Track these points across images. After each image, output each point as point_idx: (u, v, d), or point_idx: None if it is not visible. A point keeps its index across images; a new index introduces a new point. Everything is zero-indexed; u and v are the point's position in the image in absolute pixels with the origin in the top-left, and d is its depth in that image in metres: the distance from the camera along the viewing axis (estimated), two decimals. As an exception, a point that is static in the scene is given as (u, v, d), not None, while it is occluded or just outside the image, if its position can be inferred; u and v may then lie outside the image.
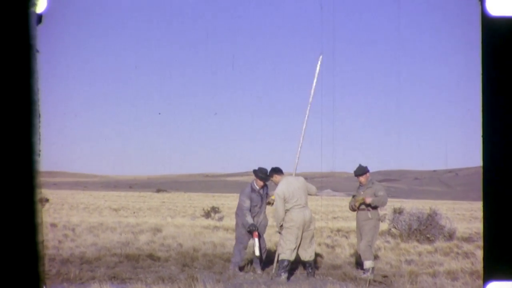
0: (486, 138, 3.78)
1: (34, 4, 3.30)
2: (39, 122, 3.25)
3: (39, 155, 3.25)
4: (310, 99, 12.20)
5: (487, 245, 3.80)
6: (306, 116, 12.16)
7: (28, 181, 3.18)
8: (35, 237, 3.20)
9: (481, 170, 3.82)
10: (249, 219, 12.09)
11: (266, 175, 12.31)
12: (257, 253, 11.83)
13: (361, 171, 12.69)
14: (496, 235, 3.77)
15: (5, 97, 3.15)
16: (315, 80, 12.17)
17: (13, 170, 3.16)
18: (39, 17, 3.69)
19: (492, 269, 3.77)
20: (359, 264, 12.98)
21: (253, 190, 12.32)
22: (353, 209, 12.87)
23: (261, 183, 12.38)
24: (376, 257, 13.26)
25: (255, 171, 12.44)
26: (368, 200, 12.47)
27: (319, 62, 12.18)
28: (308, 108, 12.20)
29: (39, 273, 3.23)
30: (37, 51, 3.29)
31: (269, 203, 12.32)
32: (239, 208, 12.22)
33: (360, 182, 12.74)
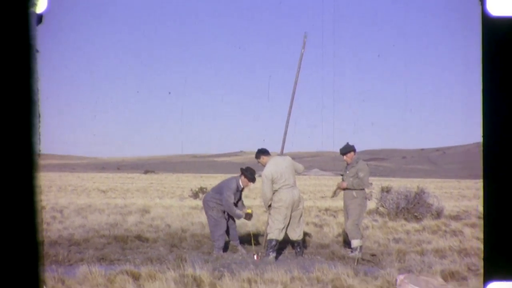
0: (486, 139, 3.78)
1: (34, 4, 3.27)
2: (39, 122, 3.23)
3: (39, 155, 3.24)
4: (296, 78, 12.17)
5: (487, 245, 3.81)
6: (293, 95, 12.14)
7: (28, 181, 3.17)
8: (35, 237, 3.19)
9: (482, 172, 3.83)
10: (238, 212, 12.19)
11: (254, 177, 12.35)
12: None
13: (346, 150, 12.66)
14: (496, 236, 3.77)
15: (5, 97, 3.13)
16: (300, 59, 12.14)
17: (13, 170, 3.15)
18: (39, 17, 3.66)
19: (493, 269, 3.78)
20: (347, 243, 12.99)
21: (238, 188, 12.35)
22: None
23: (247, 183, 12.41)
24: (363, 236, 13.26)
25: (244, 171, 12.44)
26: (343, 185, 12.50)
27: (304, 42, 12.14)
28: (294, 87, 12.17)
29: (39, 273, 3.22)
30: (37, 51, 3.27)
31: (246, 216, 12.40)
32: (227, 203, 12.15)
33: (346, 161, 12.72)
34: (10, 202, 3.13)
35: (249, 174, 12.35)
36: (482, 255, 3.87)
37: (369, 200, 12.72)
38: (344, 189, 12.54)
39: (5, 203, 3.12)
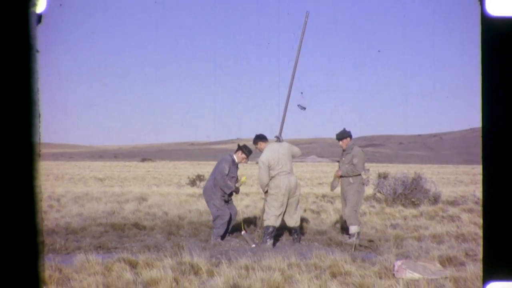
0: (486, 139, 3.76)
1: (34, 4, 3.25)
2: (39, 122, 3.21)
3: (39, 155, 3.22)
4: (296, 59, 12.02)
5: (487, 245, 3.79)
6: (292, 78, 12.01)
7: (28, 181, 3.15)
8: (35, 237, 3.17)
9: (481, 172, 3.81)
10: (231, 183, 12.17)
11: (250, 152, 12.38)
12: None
13: (341, 135, 12.64)
14: (496, 235, 3.75)
15: (5, 97, 3.11)
16: (301, 40, 11.98)
17: (13, 170, 3.13)
18: (39, 17, 3.63)
19: (492, 269, 3.76)
20: (345, 229, 13.01)
21: (233, 161, 12.35)
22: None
23: (243, 158, 12.42)
24: (361, 222, 13.25)
25: (241, 147, 12.44)
26: (338, 174, 12.54)
27: (305, 22, 11.94)
28: (294, 71, 12.03)
29: (39, 273, 3.20)
30: (37, 51, 3.25)
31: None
32: (220, 174, 12.16)
33: (341, 147, 12.71)
34: (10, 202, 3.11)
35: (246, 149, 12.37)
36: (481, 255, 3.86)
37: (366, 185, 12.67)
38: (340, 176, 12.55)
39: (5, 203, 3.11)
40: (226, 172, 12.16)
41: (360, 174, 12.41)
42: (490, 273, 3.77)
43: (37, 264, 3.19)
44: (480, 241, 3.92)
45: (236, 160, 12.40)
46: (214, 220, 12.23)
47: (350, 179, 12.39)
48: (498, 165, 3.73)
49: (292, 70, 11.97)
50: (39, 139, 3.21)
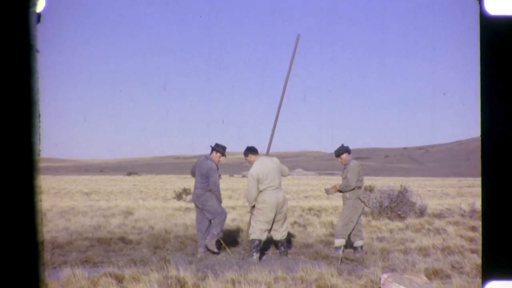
0: (485, 140, 3.79)
1: (34, 4, 3.26)
2: (39, 122, 3.22)
3: (39, 155, 3.23)
4: (286, 79, 12.12)
5: (486, 244, 3.80)
6: (282, 96, 12.09)
7: (28, 181, 3.16)
8: (35, 237, 3.17)
9: (480, 170, 3.83)
10: (220, 197, 12.30)
11: (224, 149, 12.43)
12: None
13: (338, 151, 12.77)
14: (495, 235, 3.77)
15: (5, 97, 3.12)
16: (292, 60, 12.09)
17: (13, 170, 3.13)
18: (39, 17, 3.64)
19: (491, 268, 3.78)
20: (349, 244, 12.99)
21: (217, 166, 12.39)
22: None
23: (219, 157, 12.46)
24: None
25: (214, 148, 12.44)
26: (337, 188, 12.63)
27: (296, 44, 12.09)
28: (284, 89, 12.10)
29: (39, 273, 3.20)
30: (37, 51, 3.25)
31: None
32: (215, 185, 12.17)
33: (341, 162, 12.83)
34: (10, 202, 3.11)
35: (221, 148, 12.40)
36: (480, 254, 3.88)
37: (362, 201, 12.68)
38: (339, 191, 12.65)
39: (5, 203, 3.11)
40: (219, 182, 12.26)
41: (354, 189, 12.45)
42: (489, 272, 3.79)
43: (37, 264, 3.19)
44: (480, 242, 3.93)
45: (216, 162, 12.42)
46: (213, 218, 12.16)
47: (347, 194, 12.47)
48: (498, 162, 3.76)
49: (281, 90, 12.12)
50: (39, 139, 3.22)
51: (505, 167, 3.77)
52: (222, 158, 12.58)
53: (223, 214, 12.19)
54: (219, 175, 12.41)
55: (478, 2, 3.76)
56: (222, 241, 12.15)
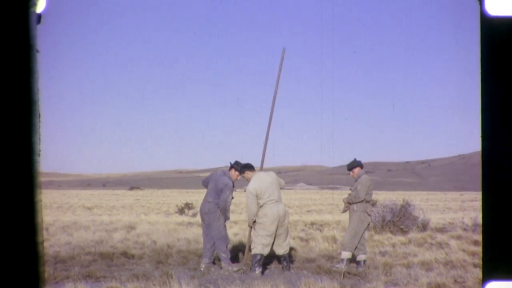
0: (485, 139, 3.79)
1: (34, 4, 3.28)
2: (39, 122, 3.23)
3: (39, 155, 3.24)
4: (275, 93, 12.20)
5: (486, 244, 3.81)
6: (271, 110, 12.17)
7: (28, 181, 3.17)
8: (35, 237, 3.19)
9: (480, 168, 3.83)
10: (229, 214, 12.29)
11: (243, 168, 12.39)
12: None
13: (351, 165, 12.97)
14: (495, 235, 3.78)
15: (5, 97, 3.14)
16: (279, 74, 12.19)
17: (13, 170, 3.15)
18: (39, 17, 3.66)
19: (492, 269, 3.78)
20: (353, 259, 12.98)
21: (233, 185, 12.37)
22: (344, 211, 13.13)
23: (237, 176, 12.44)
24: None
25: (233, 165, 12.40)
26: (345, 200, 12.72)
27: (282, 58, 12.21)
28: (273, 102, 12.19)
29: (39, 273, 3.21)
30: (37, 51, 3.27)
31: None
32: (225, 202, 12.15)
33: (352, 176, 12.94)
34: (10, 202, 3.12)
35: (238, 166, 12.36)
36: (481, 255, 3.88)
37: (368, 214, 12.71)
38: (348, 203, 12.71)
39: (5, 203, 3.12)
40: (230, 202, 12.25)
41: (363, 201, 12.52)
42: (489, 273, 3.79)
43: (37, 264, 3.19)
44: (480, 242, 3.93)
45: (232, 180, 12.42)
46: (218, 239, 12.12)
47: (354, 206, 12.59)
48: (498, 165, 3.76)
49: (271, 104, 12.18)
50: (39, 138, 3.23)
51: (506, 172, 3.77)
52: (240, 177, 12.58)
53: (227, 238, 12.19)
54: (232, 197, 12.38)
55: (478, 2, 3.78)
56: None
